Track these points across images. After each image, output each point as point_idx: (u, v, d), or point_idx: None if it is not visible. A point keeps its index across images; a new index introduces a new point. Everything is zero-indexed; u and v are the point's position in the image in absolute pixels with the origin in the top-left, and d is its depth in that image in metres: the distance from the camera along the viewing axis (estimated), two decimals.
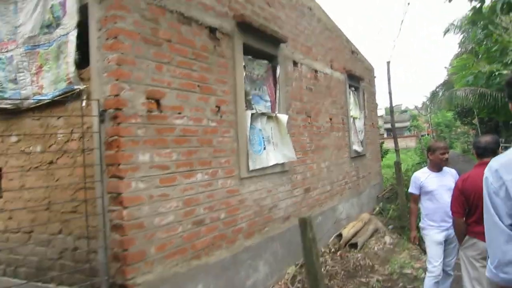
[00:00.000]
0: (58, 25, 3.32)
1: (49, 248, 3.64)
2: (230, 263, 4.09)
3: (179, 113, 3.60)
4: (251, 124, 4.75)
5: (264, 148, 5.00)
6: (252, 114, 4.69)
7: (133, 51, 3.13)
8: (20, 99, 3.63)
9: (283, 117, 5.27)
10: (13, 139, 3.93)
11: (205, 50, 3.96)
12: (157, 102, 3.37)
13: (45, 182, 3.64)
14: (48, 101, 3.45)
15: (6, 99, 3.67)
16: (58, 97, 3.37)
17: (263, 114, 5.04)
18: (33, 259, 3.78)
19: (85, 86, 3.26)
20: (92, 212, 3.24)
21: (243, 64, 4.60)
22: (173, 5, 3.54)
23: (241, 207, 4.41)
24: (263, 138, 5.03)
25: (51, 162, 3.62)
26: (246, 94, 4.69)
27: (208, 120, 3.98)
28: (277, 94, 5.42)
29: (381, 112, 38.35)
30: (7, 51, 3.64)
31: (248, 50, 4.77)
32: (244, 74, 4.64)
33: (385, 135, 38.53)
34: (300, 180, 5.85)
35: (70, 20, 3.23)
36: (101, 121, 3.11)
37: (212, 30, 4.08)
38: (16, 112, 3.85)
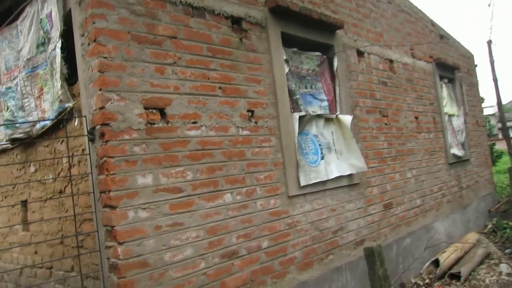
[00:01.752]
0: (49, 40, 2.92)
1: (65, 287, 3.24)
2: None
3: (194, 123, 2.95)
4: (302, 129, 3.92)
5: (322, 158, 4.10)
6: (301, 117, 3.85)
7: (120, 54, 2.58)
8: (17, 125, 3.36)
9: (347, 119, 4.32)
10: (32, 169, 3.68)
11: (226, 44, 3.29)
12: (161, 111, 2.77)
13: (58, 213, 3.27)
14: (49, 125, 3.08)
15: (5, 124, 3.41)
16: (56, 119, 2.97)
17: (318, 116, 4.16)
18: None
19: (74, 102, 2.81)
20: (93, 248, 2.74)
21: (284, 57, 3.81)
22: None
23: (291, 232, 3.57)
24: (320, 145, 4.14)
25: (60, 191, 3.25)
26: (292, 93, 3.88)
27: (238, 128, 3.27)
28: (337, 91, 4.49)
29: (493, 109, 33.30)
30: (13, 79, 3.38)
31: (292, 41, 3.98)
32: (287, 69, 3.85)
33: (499, 136, 33.22)
34: (377, 194, 4.77)
35: (56, 32, 2.81)
36: (91, 140, 2.61)
37: (235, 21, 3.39)
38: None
